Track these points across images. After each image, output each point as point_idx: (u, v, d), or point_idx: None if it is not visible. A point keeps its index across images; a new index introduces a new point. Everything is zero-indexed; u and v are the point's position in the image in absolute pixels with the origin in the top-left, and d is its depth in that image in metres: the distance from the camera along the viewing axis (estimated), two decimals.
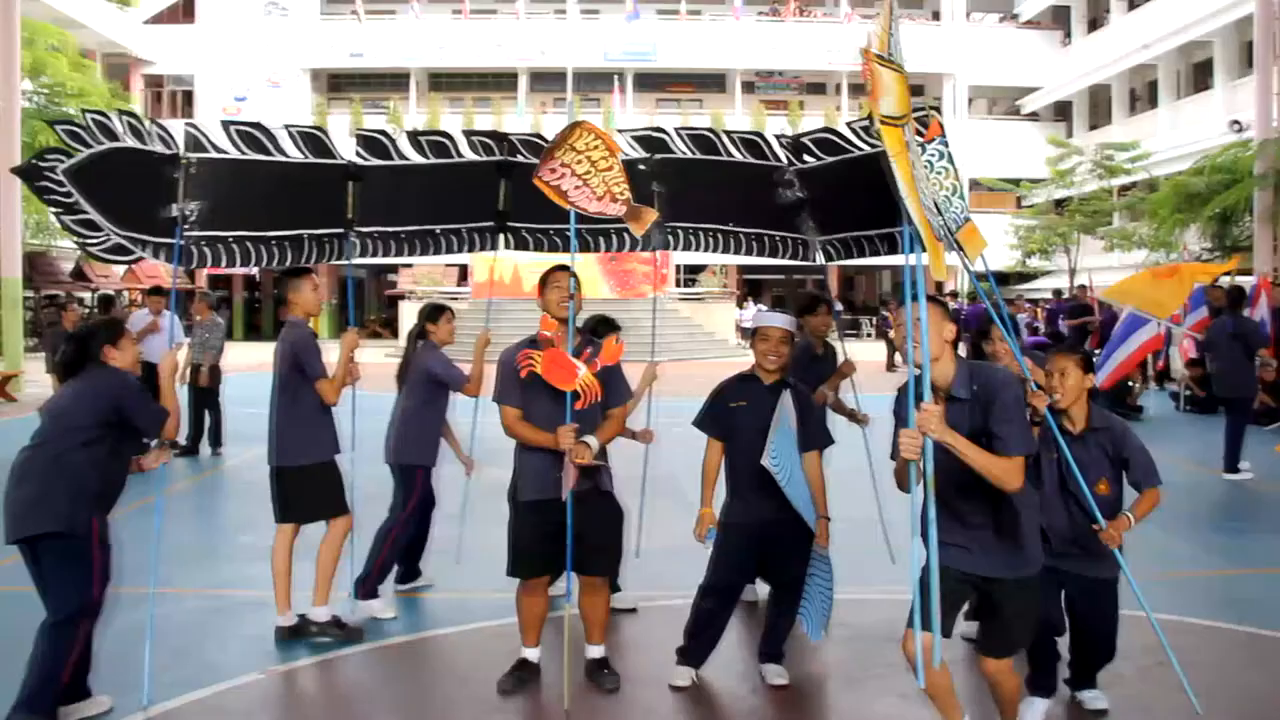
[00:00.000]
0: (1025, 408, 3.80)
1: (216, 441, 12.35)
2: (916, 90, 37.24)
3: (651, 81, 42.89)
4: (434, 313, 6.47)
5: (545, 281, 5.08)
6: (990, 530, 3.88)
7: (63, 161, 4.59)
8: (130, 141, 4.71)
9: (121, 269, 33.19)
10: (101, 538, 4.58)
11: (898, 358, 20.60)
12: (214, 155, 4.96)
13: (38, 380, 14.78)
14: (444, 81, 42.90)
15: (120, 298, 19.61)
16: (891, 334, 29.44)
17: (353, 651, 5.64)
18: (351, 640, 5.77)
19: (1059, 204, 34.13)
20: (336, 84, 43.25)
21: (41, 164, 4.61)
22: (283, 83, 39.76)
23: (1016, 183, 35.57)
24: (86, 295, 29.58)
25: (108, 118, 4.67)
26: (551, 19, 42.12)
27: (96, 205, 4.72)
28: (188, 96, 40.71)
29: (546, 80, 41.65)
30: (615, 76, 41.05)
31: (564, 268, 5.05)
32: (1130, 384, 16.05)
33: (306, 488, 5.72)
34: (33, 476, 4.51)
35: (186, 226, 4.98)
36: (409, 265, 32.74)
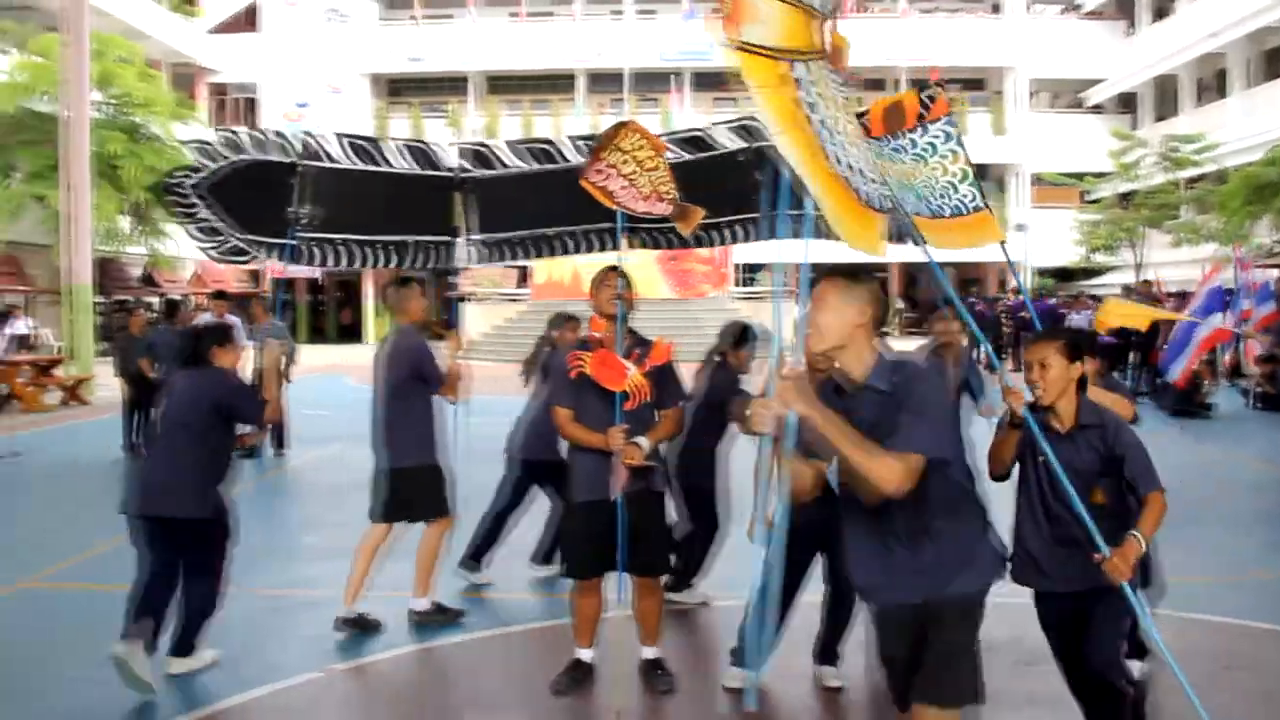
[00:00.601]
0: (943, 405, 3.19)
1: (280, 443, 12.53)
2: (976, 84, 36.45)
3: (709, 80, 42.71)
4: (561, 321, 6.85)
5: (597, 282, 5.11)
6: (923, 542, 3.22)
7: (191, 176, 5.06)
8: (253, 152, 5.05)
9: (188, 274, 33.90)
10: (225, 510, 5.34)
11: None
12: (326, 164, 5.23)
13: (108, 384, 15.09)
14: (501, 84, 43.13)
15: (186, 302, 20.06)
16: None
17: (409, 651, 5.71)
18: (454, 622, 6.03)
19: (1124, 198, 33.51)
20: (396, 89, 43.66)
21: (172, 180, 5.15)
22: (343, 88, 40.23)
23: (1080, 177, 34.97)
24: (155, 300, 30.15)
25: (235, 134, 5.13)
26: (608, 20, 42.16)
27: (221, 213, 5.14)
28: (250, 104, 41.33)
29: (604, 81, 41.69)
30: (672, 76, 41.02)
31: (615, 268, 5.07)
32: (1200, 381, 15.74)
33: (415, 488, 5.94)
34: (161, 467, 5.22)
35: (299, 229, 5.23)
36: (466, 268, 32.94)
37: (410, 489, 5.92)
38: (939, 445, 3.10)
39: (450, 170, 5.54)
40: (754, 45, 3.00)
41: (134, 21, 31.98)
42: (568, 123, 37.87)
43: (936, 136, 4.14)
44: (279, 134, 5.26)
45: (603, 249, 6.02)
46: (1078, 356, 3.95)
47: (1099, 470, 3.91)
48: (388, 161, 5.32)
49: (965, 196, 4.14)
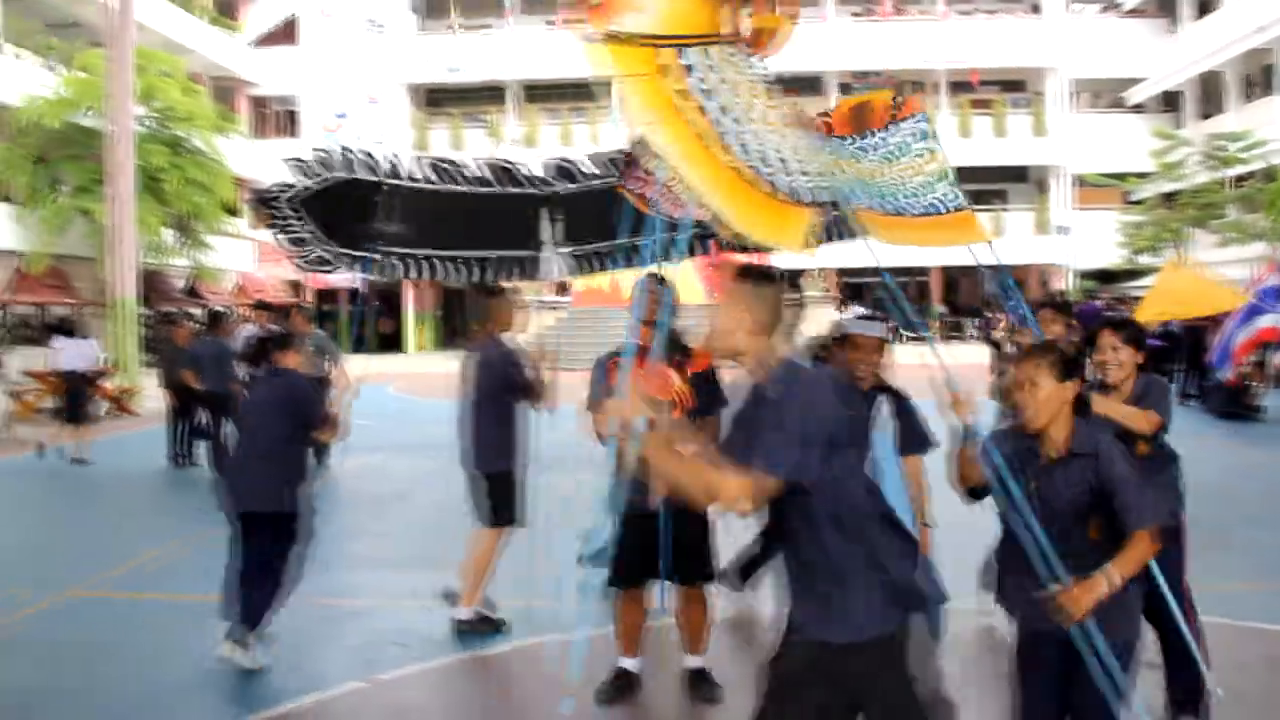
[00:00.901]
0: (811, 422, 2.84)
1: (322, 451, 12.57)
2: (1017, 86, 36.00)
3: None
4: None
5: (639, 289, 5.09)
6: (829, 578, 2.95)
7: (286, 191, 5.38)
8: (343, 171, 5.37)
9: (231, 285, 34.23)
10: (298, 511, 5.72)
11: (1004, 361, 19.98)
12: (408, 183, 5.40)
13: (154, 394, 15.26)
14: (540, 93, 43.23)
15: (229, 313, 20.22)
16: (995, 335, 28.82)
17: (453, 661, 5.70)
18: (498, 631, 6.04)
19: (1168, 198, 33.06)
20: (435, 99, 43.89)
21: (268, 194, 5.50)
22: (381, 99, 40.50)
23: (1123, 178, 34.56)
24: (198, 311, 30.46)
25: (327, 153, 5.42)
26: None
27: (310, 226, 5.44)
28: (291, 116, 41.71)
29: None
30: None
31: (657, 275, 5.05)
32: (1249, 383, 15.49)
33: (494, 493, 6.07)
34: (243, 466, 5.72)
35: (383, 243, 5.38)
36: None
37: (491, 493, 6.04)
38: (788, 463, 2.78)
39: (533, 185, 5.64)
40: (626, 34, 2.85)
41: (175, 36, 32.36)
42: (606, 131, 37.89)
43: (909, 135, 4.02)
44: (368, 154, 5.48)
45: (694, 254, 6.07)
46: (1070, 374, 3.53)
47: (1090, 502, 3.46)
48: (467, 179, 5.47)
49: (944, 196, 4.02)
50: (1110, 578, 3.27)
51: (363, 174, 5.40)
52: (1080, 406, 3.56)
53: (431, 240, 5.70)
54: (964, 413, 3.67)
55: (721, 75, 3.00)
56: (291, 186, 5.42)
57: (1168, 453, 4.60)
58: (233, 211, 31.48)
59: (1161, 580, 4.07)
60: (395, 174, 5.44)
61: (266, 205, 5.53)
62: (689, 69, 2.92)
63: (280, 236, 5.50)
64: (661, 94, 2.89)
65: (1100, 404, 4.18)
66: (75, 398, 13.33)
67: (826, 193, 3.28)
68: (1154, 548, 3.40)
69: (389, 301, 41.01)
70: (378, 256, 5.55)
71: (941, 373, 4.03)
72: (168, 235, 27.04)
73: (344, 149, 5.54)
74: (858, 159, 4.05)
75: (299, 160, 5.46)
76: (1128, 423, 4.29)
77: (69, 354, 13.69)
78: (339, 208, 5.43)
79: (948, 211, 4.06)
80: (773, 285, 3.04)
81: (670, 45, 2.89)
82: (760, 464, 2.77)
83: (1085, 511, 3.46)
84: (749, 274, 3.07)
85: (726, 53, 3.01)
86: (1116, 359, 4.46)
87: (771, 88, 3.25)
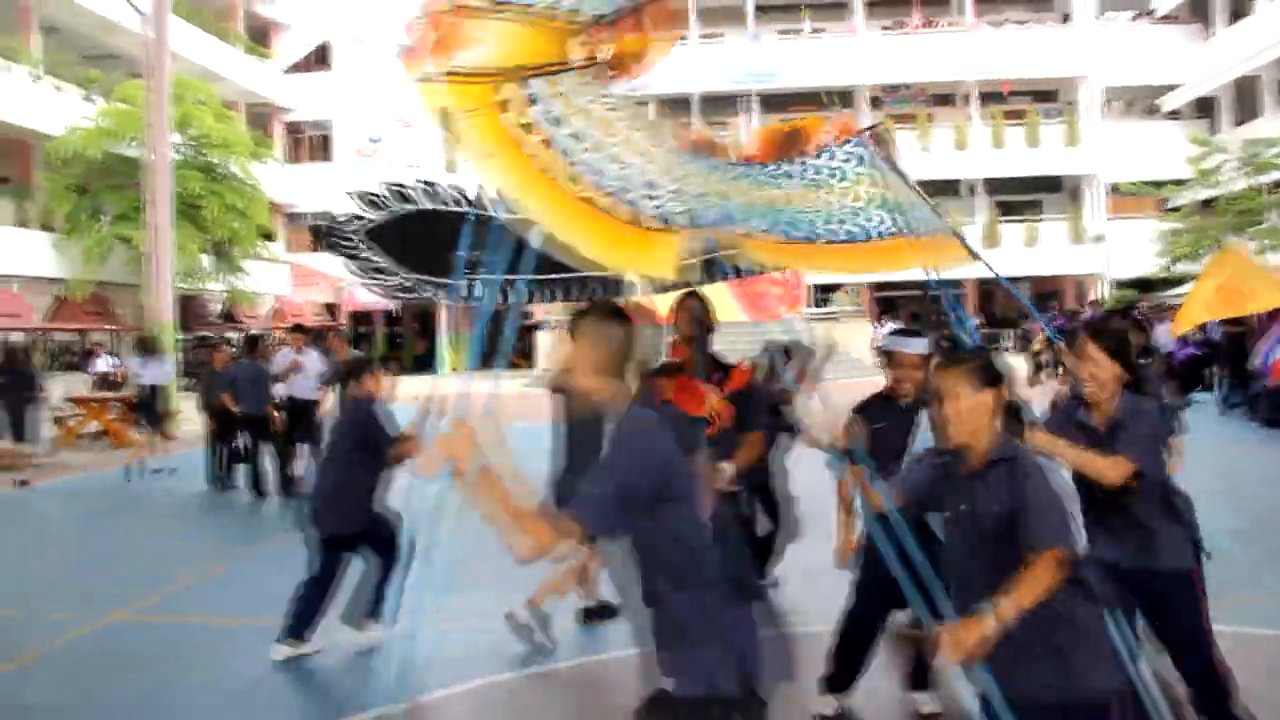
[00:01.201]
0: (620, 467, 2.84)
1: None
2: (1049, 95, 35.71)
3: (777, 102, 42.72)
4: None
5: (675, 307, 5.11)
6: (659, 622, 2.92)
7: (354, 223, 5.55)
8: (424, 202, 5.48)
9: (267, 309, 34.54)
10: (382, 520, 6.20)
11: (1042, 374, 19.88)
12: (490, 212, 5.51)
13: (192, 418, 15.39)
14: None
15: (266, 336, 20.37)
16: (1034, 347, 28.58)
17: (493, 681, 5.69)
18: (540, 650, 6.04)
19: (1205, 205, 32.69)
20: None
21: (333, 226, 5.67)
22: (414, 122, 40.78)
23: (1158, 185, 34.24)
24: (235, 335, 30.75)
25: (403, 186, 5.57)
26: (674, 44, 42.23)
27: (388, 255, 5.62)
28: (325, 141, 42.10)
29: (672, 105, 41.70)
30: (740, 99, 40.97)
31: (694, 293, 5.06)
32: None
33: None
34: (321, 489, 6.23)
35: (468, 270, 5.54)
36: None
37: None
38: (595, 515, 2.76)
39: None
40: (465, 71, 2.78)
41: (210, 64, 32.75)
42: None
43: (844, 161, 3.89)
44: (453, 186, 5.56)
45: (762, 271, 6.11)
46: (991, 381, 3.19)
47: (1010, 518, 3.06)
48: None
49: (873, 221, 3.90)
50: (1001, 612, 2.86)
51: (450, 205, 5.46)
52: (1008, 416, 3.30)
53: (517, 265, 5.78)
54: (808, 443, 3.53)
55: (573, 102, 2.94)
56: (361, 218, 5.54)
57: (1173, 492, 4.10)
58: (268, 236, 31.76)
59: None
60: (478, 204, 5.48)
61: (332, 235, 5.68)
62: (533, 100, 2.87)
63: (353, 264, 5.65)
64: (499, 128, 2.85)
65: (1055, 447, 3.69)
66: (151, 409, 14.08)
67: (713, 213, 3.20)
68: (1057, 575, 2.95)
69: (423, 323, 41.27)
70: (462, 282, 5.64)
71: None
72: (204, 260, 27.34)
73: (425, 181, 5.64)
74: (774, 184, 3.95)
75: (371, 194, 5.58)
76: (1091, 473, 3.76)
77: (150, 370, 14.35)
78: (418, 236, 5.53)
79: (878, 238, 3.97)
80: (621, 325, 2.98)
81: (510, 78, 2.83)
82: (571, 511, 2.75)
83: (1005, 527, 3.07)
84: (596, 312, 3.02)
85: (580, 80, 2.94)
86: (1095, 375, 3.88)
87: (637, 110, 3.18)
